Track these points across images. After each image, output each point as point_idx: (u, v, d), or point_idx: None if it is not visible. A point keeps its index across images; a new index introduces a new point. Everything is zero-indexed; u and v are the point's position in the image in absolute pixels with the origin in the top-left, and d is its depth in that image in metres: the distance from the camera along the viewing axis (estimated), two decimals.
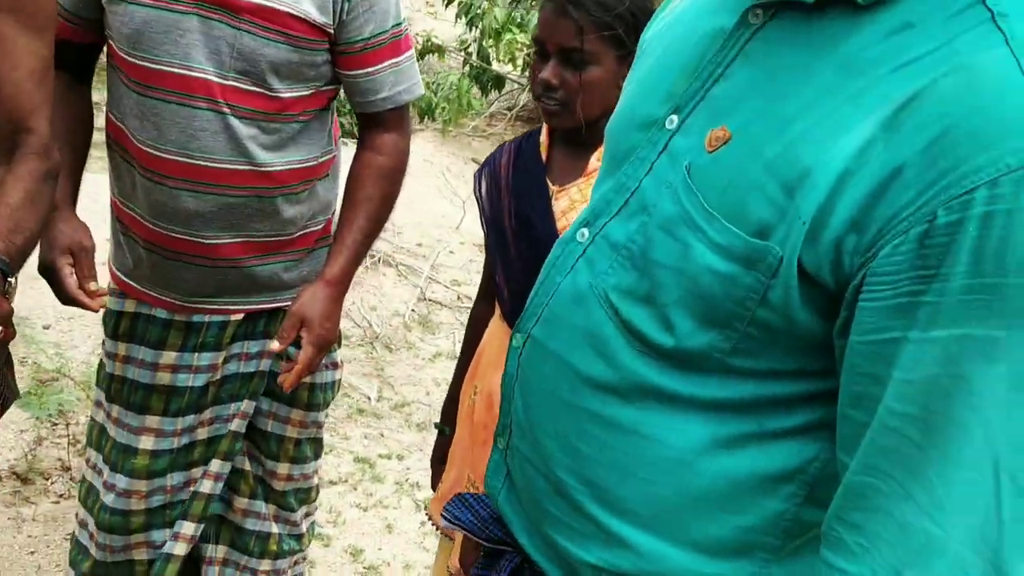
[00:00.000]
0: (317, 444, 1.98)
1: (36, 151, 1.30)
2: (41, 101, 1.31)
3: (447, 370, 3.87)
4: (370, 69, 1.67)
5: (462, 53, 6.47)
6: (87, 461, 1.91)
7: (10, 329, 1.20)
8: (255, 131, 1.62)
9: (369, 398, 3.52)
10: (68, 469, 2.78)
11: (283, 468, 1.92)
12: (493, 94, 6.54)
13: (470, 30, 6.23)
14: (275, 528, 1.94)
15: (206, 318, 1.75)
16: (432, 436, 3.57)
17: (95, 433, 1.87)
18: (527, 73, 6.83)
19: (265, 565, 1.95)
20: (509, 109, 6.80)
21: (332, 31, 1.62)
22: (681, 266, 0.85)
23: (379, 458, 3.18)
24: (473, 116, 6.29)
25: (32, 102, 1.29)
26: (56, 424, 2.92)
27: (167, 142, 1.60)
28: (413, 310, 4.21)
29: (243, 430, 1.84)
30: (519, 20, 5.92)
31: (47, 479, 2.73)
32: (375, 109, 1.72)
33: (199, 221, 1.65)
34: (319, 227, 1.82)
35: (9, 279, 1.23)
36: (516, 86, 6.71)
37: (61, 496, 2.69)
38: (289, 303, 1.75)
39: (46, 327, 3.32)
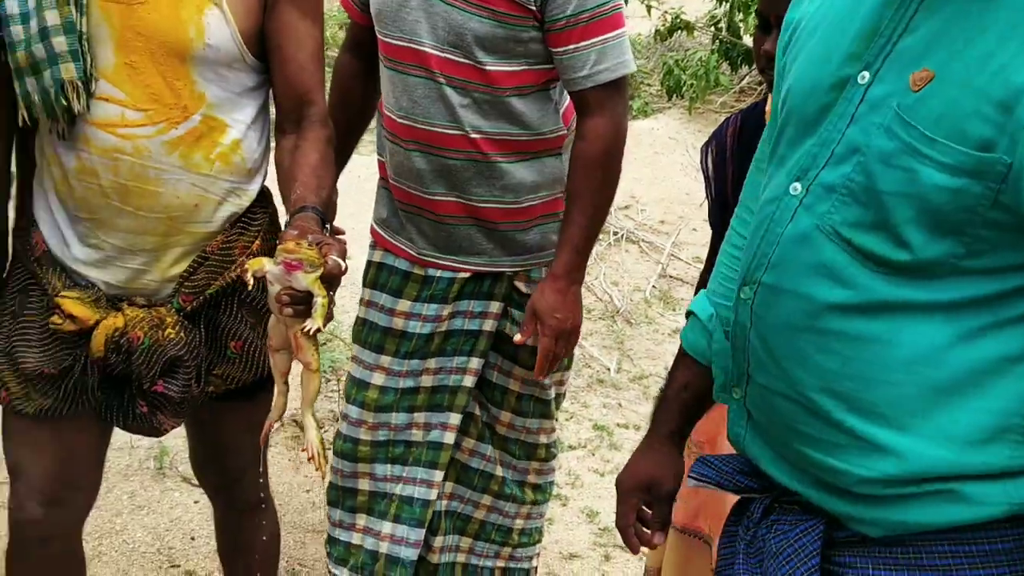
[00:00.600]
0: (542, 404, 2.07)
1: (319, 120, 1.55)
2: (319, 77, 1.54)
3: None
4: (572, 46, 1.74)
5: (711, 28, 6.40)
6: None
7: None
8: (467, 100, 1.78)
9: (609, 369, 3.64)
10: (339, 420, 3.11)
11: (505, 416, 2.07)
12: (743, 69, 6.43)
13: (720, 4, 6.15)
14: (499, 471, 2.10)
15: (438, 273, 1.92)
16: None
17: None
18: None
19: (486, 500, 2.10)
20: (760, 83, 6.65)
21: (534, 8, 1.72)
22: (909, 190, 0.95)
23: (617, 427, 3.29)
24: (721, 92, 6.22)
25: (313, 79, 1.54)
26: (328, 380, 3.26)
27: (400, 108, 1.83)
28: (654, 286, 4.27)
29: (471, 385, 2.00)
30: None
31: (321, 427, 3.07)
32: (578, 88, 1.78)
33: (427, 179, 1.85)
34: (544, 201, 1.91)
35: (327, 226, 1.43)
36: None
37: (332, 444, 3.01)
38: (509, 268, 1.91)
39: None
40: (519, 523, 2.14)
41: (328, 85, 1.79)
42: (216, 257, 1.56)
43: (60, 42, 1.40)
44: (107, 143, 1.47)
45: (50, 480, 1.60)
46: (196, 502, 2.67)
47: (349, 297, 3.77)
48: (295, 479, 2.83)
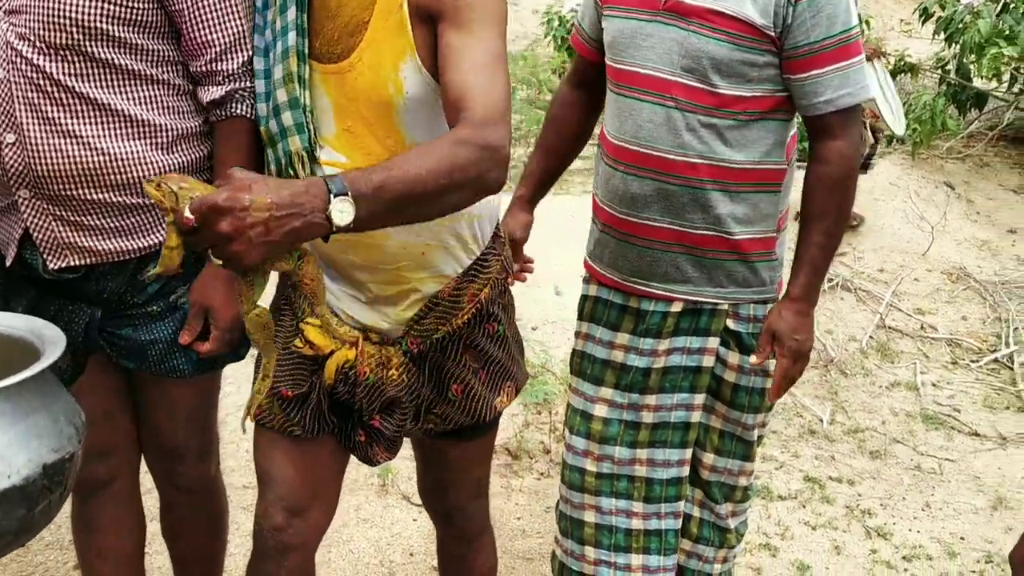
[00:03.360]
0: (744, 445, 2.05)
1: (464, 120, 1.37)
2: (479, 85, 1.37)
3: (906, 401, 3.75)
4: (815, 72, 1.76)
5: (938, 71, 6.13)
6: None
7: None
8: (694, 125, 1.81)
9: (821, 420, 3.54)
10: (548, 452, 3.19)
11: (708, 457, 2.06)
12: (972, 113, 6.11)
13: (949, 46, 5.89)
14: (696, 512, 2.09)
15: (651, 306, 1.95)
16: (888, 465, 3.46)
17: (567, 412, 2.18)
18: (1015, 89, 6.28)
19: (686, 544, 2.10)
20: (991, 128, 6.30)
21: (774, 34, 1.74)
22: None
23: (829, 480, 3.19)
24: (948, 137, 5.93)
25: (467, 85, 1.38)
26: (540, 412, 3.35)
27: (623, 131, 1.88)
28: (871, 336, 4.12)
29: (698, 421, 2.01)
30: (1007, 32, 5.48)
31: (531, 458, 3.16)
32: (818, 112, 1.80)
33: (640, 204, 1.89)
34: (757, 237, 1.91)
35: (345, 201, 1.18)
36: (1000, 103, 6.19)
37: (542, 474, 3.09)
38: (712, 300, 1.92)
39: (534, 328, 3.81)
40: (717, 567, 2.13)
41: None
42: (446, 303, 1.62)
43: (287, 117, 1.52)
44: None
45: (294, 490, 1.70)
46: (415, 520, 2.81)
47: (559, 332, 3.87)
48: (506, 506, 2.92)
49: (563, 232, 3.79)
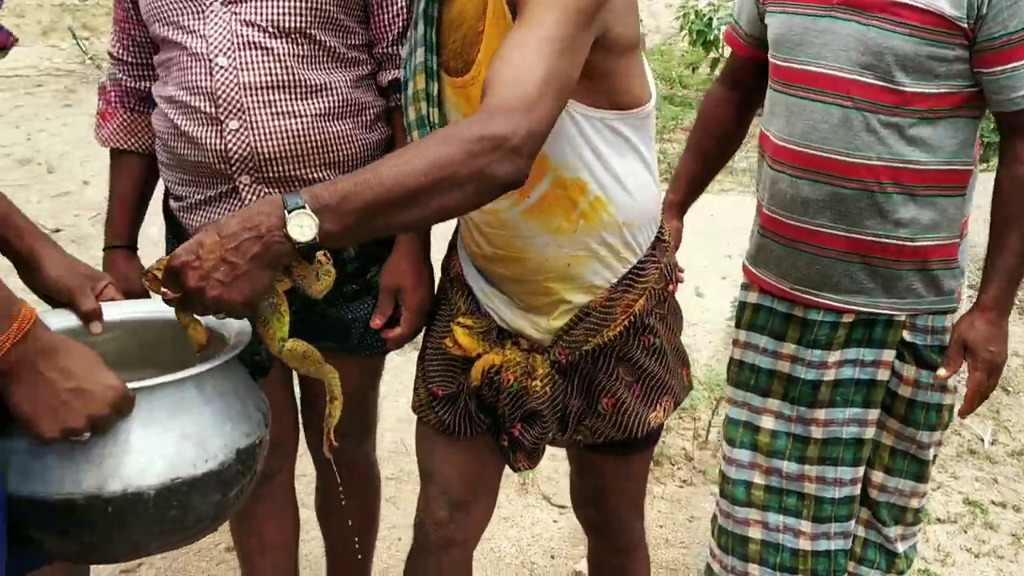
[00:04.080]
0: (917, 464, 1.94)
1: (480, 108, 1.25)
2: (506, 70, 1.25)
3: None
4: (1011, 65, 1.64)
5: None
6: (721, 450, 2.13)
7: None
8: (874, 124, 1.70)
9: (982, 440, 3.33)
10: (691, 459, 3.10)
11: (877, 476, 1.94)
12: None
13: None
14: (861, 532, 1.98)
15: (819, 316, 1.85)
16: None
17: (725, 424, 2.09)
18: None
19: (849, 565, 1.99)
20: None
21: (966, 25, 1.62)
22: None
23: (992, 505, 3.00)
24: None
25: (494, 71, 1.26)
26: (682, 417, 3.26)
27: (792, 133, 1.78)
28: None
29: (872, 437, 1.90)
30: None
31: (673, 464, 3.07)
32: (1013, 108, 1.67)
33: (811, 209, 1.78)
34: (940, 244, 1.79)
35: (302, 215, 1.11)
36: None
37: (684, 482, 3.01)
38: (887, 311, 1.81)
39: None
40: None
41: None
42: (597, 314, 1.56)
43: (415, 136, 1.50)
44: (479, 220, 1.55)
45: (457, 485, 1.70)
46: (555, 521, 2.77)
47: (701, 335, 3.77)
48: (648, 514, 2.85)
49: (703, 232, 3.69)
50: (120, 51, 1.77)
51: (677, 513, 2.87)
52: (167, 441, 1.14)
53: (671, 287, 1.66)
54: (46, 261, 1.36)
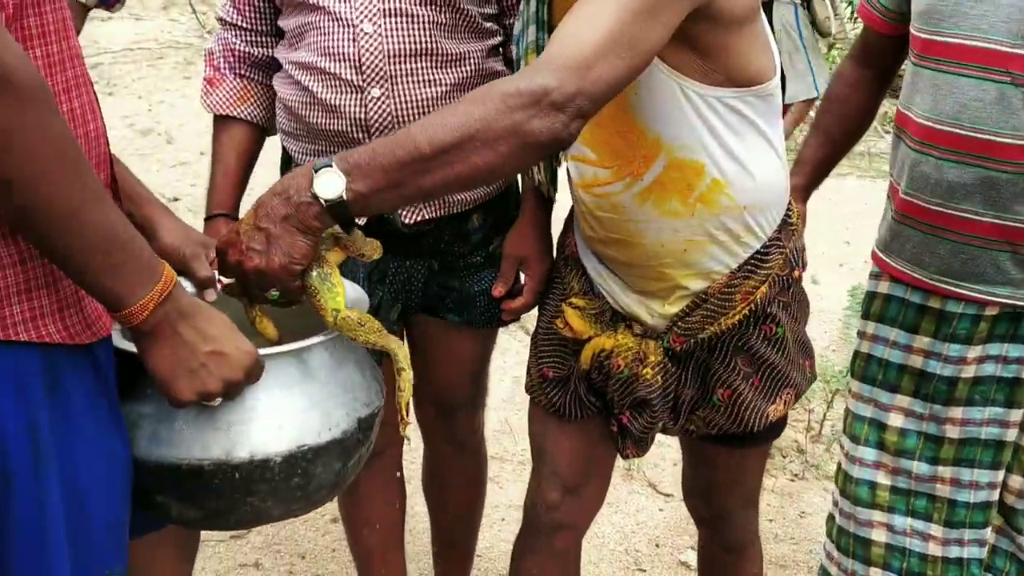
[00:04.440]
0: None
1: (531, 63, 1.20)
2: (561, 31, 1.19)
3: None
4: None
5: None
6: (841, 446, 2.02)
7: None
8: None
9: None
10: (803, 452, 2.99)
11: (1015, 481, 1.82)
12: None
13: None
14: (991, 539, 1.87)
15: (959, 308, 1.73)
16: None
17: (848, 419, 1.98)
18: None
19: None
20: None
21: None
22: None
23: None
24: None
25: (554, 35, 1.21)
26: (795, 409, 3.14)
27: (939, 112, 1.64)
28: None
29: (1014, 440, 1.79)
30: None
31: (784, 457, 2.97)
32: None
33: (958, 194, 1.65)
34: None
35: (329, 173, 1.10)
36: None
37: (796, 476, 2.90)
38: None
39: None
40: None
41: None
42: (715, 301, 1.49)
43: None
44: (590, 203, 1.50)
45: (568, 468, 1.66)
46: (661, 510, 2.71)
47: (816, 324, 3.63)
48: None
49: (821, 217, 3.55)
50: (234, 15, 1.73)
51: (788, 508, 2.77)
52: (293, 409, 1.14)
53: (796, 273, 1.57)
54: (162, 229, 1.37)
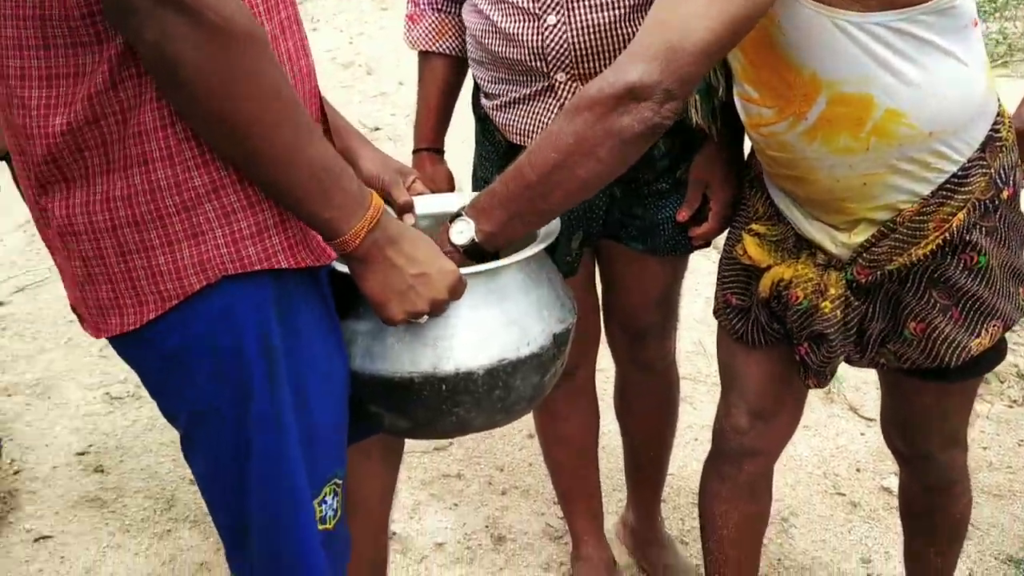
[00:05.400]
0: None
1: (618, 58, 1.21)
2: (652, 15, 1.20)
3: None
4: None
5: None
6: None
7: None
8: None
9: None
10: (1022, 377, 2.79)
11: None
12: None
13: None
14: None
15: None
16: None
17: None
18: None
19: None
20: None
21: None
22: None
23: None
24: None
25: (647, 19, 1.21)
26: (1016, 331, 2.93)
27: None
28: None
29: None
30: None
31: (1002, 382, 2.79)
32: None
33: None
34: None
35: (461, 221, 1.26)
36: None
37: (1014, 402, 2.72)
38: None
39: None
40: None
41: None
42: (905, 230, 1.37)
43: None
44: (759, 141, 1.44)
45: (758, 393, 1.63)
46: (862, 434, 2.62)
47: None
48: (970, 434, 2.61)
49: None
50: None
51: (1005, 435, 2.61)
52: (495, 324, 1.21)
53: (1006, 194, 1.40)
54: (363, 159, 1.44)
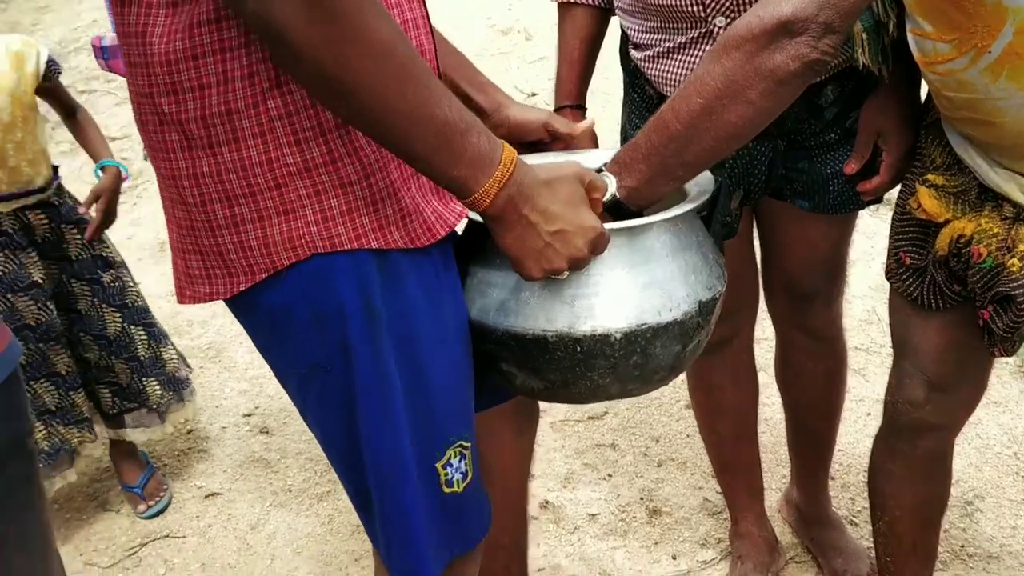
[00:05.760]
0: None
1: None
2: None
3: None
4: None
5: None
6: None
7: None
8: None
9: None
10: None
11: None
12: None
13: None
14: None
15: None
16: None
17: None
18: None
19: None
20: None
21: None
22: None
23: None
24: None
25: None
26: None
27: None
28: None
29: None
30: None
31: None
32: None
33: None
34: None
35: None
36: None
37: None
38: None
39: None
40: None
41: None
42: None
43: None
44: (936, 81, 1.27)
45: (934, 362, 1.48)
46: None
47: None
48: None
49: None
50: None
51: None
52: (636, 286, 1.13)
53: None
54: (512, 107, 1.39)
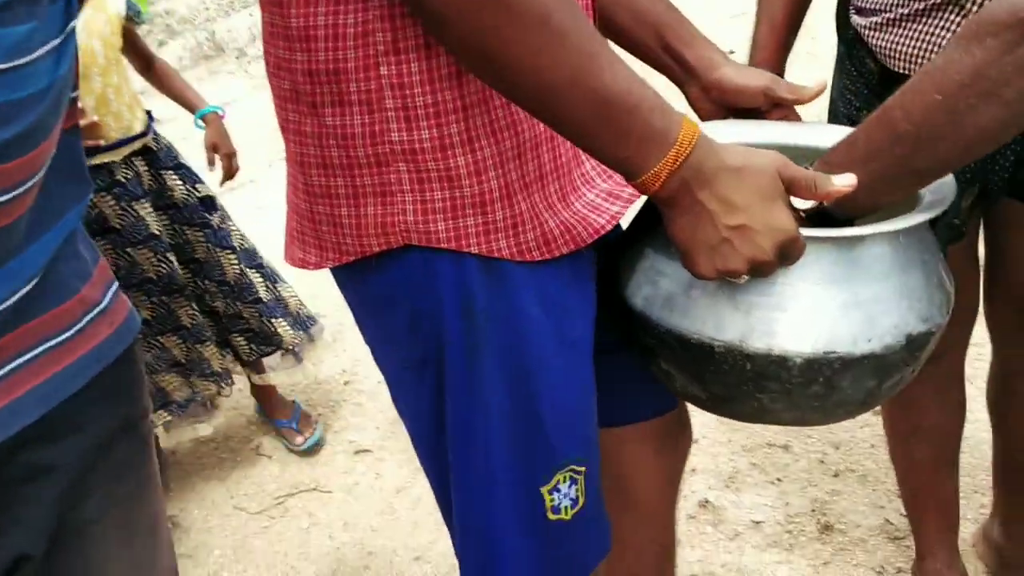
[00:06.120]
0: None
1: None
2: None
3: None
4: None
5: None
6: None
7: None
8: None
9: None
10: None
11: None
12: None
13: None
14: None
15: None
16: None
17: None
18: None
19: None
20: None
21: None
22: None
23: None
24: None
25: None
26: None
27: None
28: None
29: None
30: None
31: None
32: None
33: None
34: None
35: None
36: None
37: None
38: None
39: None
40: None
41: None
42: None
43: None
44: None
45: None
46: None
47: None
48: None
49: None
50: None
51: None
52: (831, 306, 0.94)
53: None
54: (727, 67, 1.19)
